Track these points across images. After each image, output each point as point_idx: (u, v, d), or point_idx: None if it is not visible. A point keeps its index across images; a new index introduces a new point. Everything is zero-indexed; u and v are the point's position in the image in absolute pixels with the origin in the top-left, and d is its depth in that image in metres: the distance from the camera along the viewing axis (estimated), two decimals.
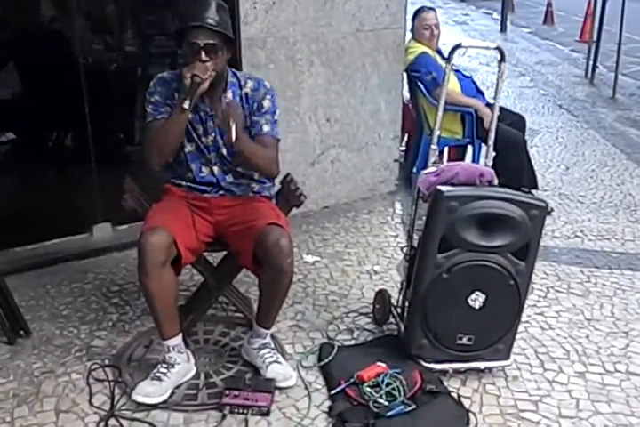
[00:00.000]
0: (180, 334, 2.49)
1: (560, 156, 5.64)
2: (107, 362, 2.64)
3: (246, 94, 2.55)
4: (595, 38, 8.57)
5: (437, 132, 2.85)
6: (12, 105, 3.36)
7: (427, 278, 2.51)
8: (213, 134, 2.54)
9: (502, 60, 2.72)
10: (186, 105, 2.36)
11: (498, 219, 2.44)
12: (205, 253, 2.70)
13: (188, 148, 2.55)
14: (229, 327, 2.88)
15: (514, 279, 2.52)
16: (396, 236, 3.91)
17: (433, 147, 2.80)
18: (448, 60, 2.75)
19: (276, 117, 2.60)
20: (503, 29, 13.40)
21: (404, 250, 2.77)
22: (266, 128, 2.58)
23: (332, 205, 4.27)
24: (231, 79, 2.54)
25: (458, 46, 2.72)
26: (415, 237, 2.69)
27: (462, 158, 4.73)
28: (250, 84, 2.57)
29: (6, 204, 3.34)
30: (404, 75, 4.48)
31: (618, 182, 4.99)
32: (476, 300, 2.52)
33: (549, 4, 14.62)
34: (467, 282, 2.50)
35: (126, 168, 3.69)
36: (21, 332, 2.79)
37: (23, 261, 3.38)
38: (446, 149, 4.85)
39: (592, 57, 8.68)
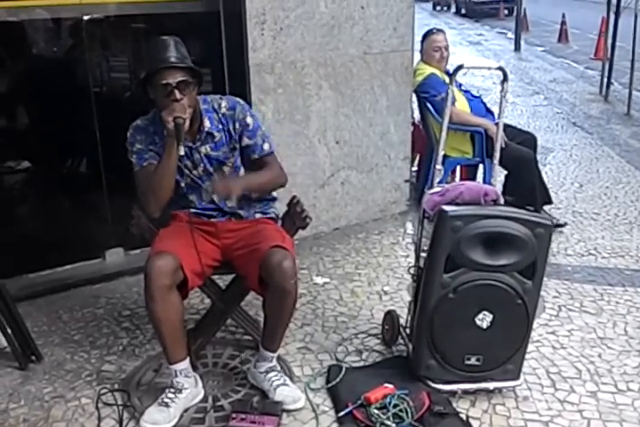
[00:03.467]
0: (188, 359, 2.50)
1: (574, 173, 5.61)
2: (116, 386, 2.65)
3: (224, 115, 2.57)
4: (609, 55, 8.58)
5: (441, 153, 2.87)
6: (26, 133, 3.43)
7: (433, 298, 2.51)
8: (202, 164, 2.57)
9: (505, 79, 2.73)
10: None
11: (503, 238, 2.43)
12: (216, 276, 2.73)
13: (183, 182, 2.58)
14: (238, 350, 2.89)
15: (521, 298, 2.50)
16: (407, 256, 3.90)
17: (438, 167, 2.82)
18: (450, 80, 2.79)
19: (265, 130, 2.64)
20: (517, 48, 13.47)
21: (411, 270, 2.77)
22: (266, 146, 2.62)
23: (343, 226, 4.29)
24: (203, 106, 2.55)
25: (460, 67, 2.75)
26: (422, 257, 2.69)
27: (474, 178, 4.74)
28: (224, 104, 2.58)
29: (20, 230, 3.40)
30: (414, 96, 4.52)
31: (632, 199, 4.95)
32: (484, 319, 2.50)
33: (563, 23, 14.69)
34: (473, 302, 2.49)
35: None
36: (33, 357, 2.81)
37: (36, 287, 3.42)
38: (458, 168, 4.88)
39: (606, 74, 8.67)
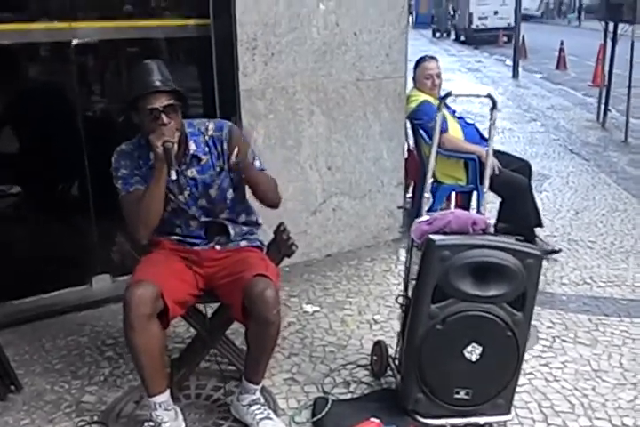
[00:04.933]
0: (168, 391, 2.42)
1: (570, 200, 5.57)
2: (95, 418, 2.58)
3: (212, 137, 2.54)
4: (607, 82, 8.60)
5: (430, 180, 2.83)
6: (13, 158, 3.39)
7: (421, 329, 2.44)
8: (188, 188, 2.53)
9: (494, 107, 2.70)
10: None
11: (492, 268, 2.38)
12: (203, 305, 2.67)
13: (169, 207, 2.53)
14: (223, 381, 2.80)
15: (511, 330, 2.44)
16: (399, 284, 3.81)
17: (426, 195, 2.77)
18: (439, 107, 2.75)
19: (254, 150, 2.57)
20: (515, 75, 13.54)
21: (400, 300, 2.71)
22: (257, 164, 2.56)
23: (335, 253, 4.23)
24: (189, 130, 2.52)
25: (448, 95, 2.72)
26: (410, 286, 2.64)
27: (468, 205, 4.70)
28: (211, 126, 2.56)
29: (5, 255, 3.33)
30: (407, 123, 4.50)
31: (629, 227, 4.90)
32: (473, 352, 2.44)
33: (562, 50, 14.78)
34: (462, 333, 2.43)
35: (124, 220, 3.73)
36: (12, 387, 2.74)
37: (21, 314, 3.36)
38: (453, 195, 4.84)
39: (603, 101, 8.68)
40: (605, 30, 8.58)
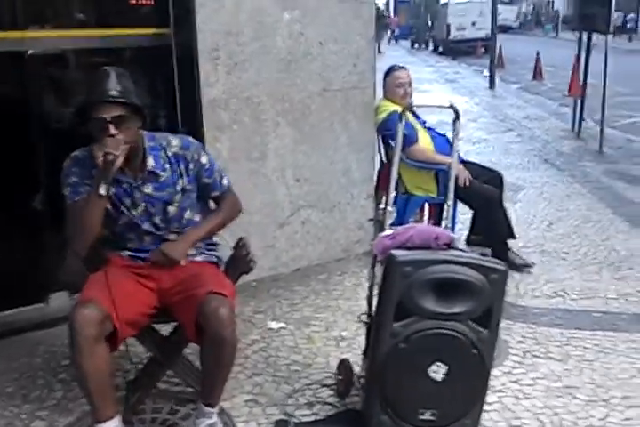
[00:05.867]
0: (118, 416, 2.30)
1: (544, 211, 5.52)
2: None
3: (175, 154, 2.44)
4: (582, 92, 8.61)
5: (392, 193, 2.75)
6: None
7: (383, 348, 2.35)
8: (143, 204, 2.43)
9: (457, 118, 2.63)
10: (102, 191, 2.26)
11: (455, 284, 2.30)
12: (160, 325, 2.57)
13: (121, 221, 2.43)
14: (180, 404, 2.70)
15: (476, 348, 2.35)
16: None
17: (389, 208, 2.69)
18: (400, 119, 2.68)
19: (219, 167, 2.58)
20: (492, 86, 13.58)
21: (362, 317, 2.62)
22: (225, 182, 2.55)
23: (304, 266, 4.13)
24: (149, 144, 2.43)
25: (410, 106, 2.66)
26: (374, 303, 2.55)
27: (439, 217, 4.62)
28: (175, 142, 2.46)
29: None
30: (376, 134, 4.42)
31: (602, 238, 4.85)
32: (438, 371, 2.34)
33: (538, 60, 14.87)
34: (426, 352, 2.33)
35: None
36: None
37: None
38: (427, 207, 4.76)
39: (578, 111, 8.69)
40: (579, 40, 8.61)
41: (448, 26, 23.87)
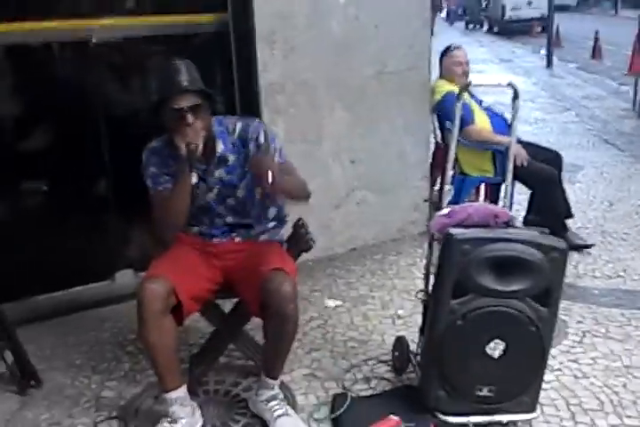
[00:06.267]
0: (184, 387, 2.40)
1: (604, 192, 5.41)
2: (114, 414, 2.57)
3: (240, 137, 2.49)
4: None
5: (450, 172, 2.76)
6: (34, 156, 3.40)
7: (441, 325, 2.38)
8: (217, 187, 2.50)
9: (516, 97, 2.62)
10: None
11: (514, 262, 2.30)
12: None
13: (196, 204, 2.49)
14: (242, 377, 2.79)
15: (535, 326, 2.36)
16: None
17: (446, 187, 2.70)
18: (458, 98, 2.68)
19: (279, 144, 2.53)
20: (549, 65, 13.27)
21: (420, 295, 2.65)
22: (277, 159, 2.48)
23: (360, 247, 4.18)
24: (218, 128, 2.48)
25: (468, 85, 2.66)
26: (431, 281, 2.58)
27: (497, 197, 4.60)
28: (239, 126, 2.51)
29: (27, 252, 3.36)
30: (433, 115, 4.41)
31: None
32: (495, 348, 2.37)
33: (597, 39, 14.42)
34: (484, 329, 2.36)
35: (149, 214, 3.73)
36: (32, 382, 2.75)
37: (44, 310, 3.37)
38: (482, 187, 4.74)
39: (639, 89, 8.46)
40: None
41: (503, 6, 23.30)
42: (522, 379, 2.43)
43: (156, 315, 2.25)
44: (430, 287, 2.56)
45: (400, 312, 3.38)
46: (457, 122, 2.71)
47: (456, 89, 4.31)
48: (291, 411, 2.47)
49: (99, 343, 3.13)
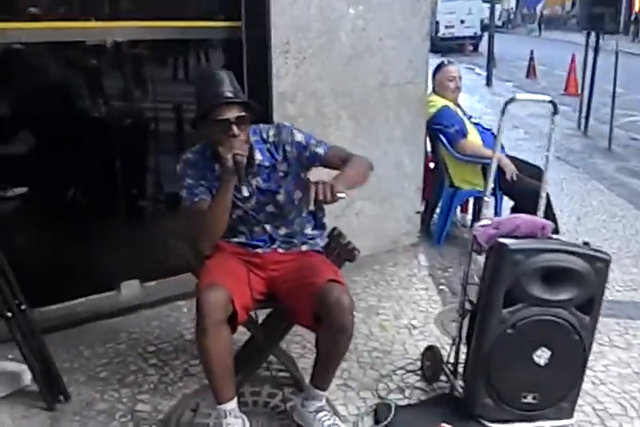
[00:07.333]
0: (235, 398, 2.36)
1: (569, 206, 5.64)
2: None
3: (274, 143, 2.49)
4: (581, 91, 8.78)
5: (492, 186, 2.83)
6: (42, 161, 3.27)
7: (491, 335, 2.44)
8: (255, 196, 2.49)
9: (555, 112, 2.73)
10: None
11: (563, 272, 2.39)
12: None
13: (235, 215, 2.48)
14: (277, 388, 2.76)
15: (579, 334, 2.46)
16: (427, 289, 3.85)
17: (486, 199, 2.78)
18: (503, 112, 2.76)
19: (317, 139, 2.53)
20: (489, 83, 13.71)
21: (457, 306, 2.70)
22: (320, 150, 2.49)
23: (358, 257, 4.19)
24: (253, 138, 2.47)
25: (512, 100, 2.75)
26: (469, 291, 2.64)
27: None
28: (271, 132, 2.51)
29: (30, 261, 3.21)
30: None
31: (632, 232, 4.98)
32: (542, 356, 2.45)
33: (532, 59, 15.05)
34: (532, 338, 2.44)
35: (154, 224, 3.65)
36: (60, 397, 2.64)
37: (49, 322, 3.21)
38: (471, 200, 4.86)
39: (585, 109, 8.86)
40: (587, 40, 8.78)
41: (437, 23, 23.98)
42: (564, 386, 2.51)
43: (217, 324, 2.21)
44: (472, 297, 2.61)
45: (414, 323, 3.42)
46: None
47: (450, 103, 4.45)
48: (338, 422, 2.47)
49: (119, 355, 3.03)
